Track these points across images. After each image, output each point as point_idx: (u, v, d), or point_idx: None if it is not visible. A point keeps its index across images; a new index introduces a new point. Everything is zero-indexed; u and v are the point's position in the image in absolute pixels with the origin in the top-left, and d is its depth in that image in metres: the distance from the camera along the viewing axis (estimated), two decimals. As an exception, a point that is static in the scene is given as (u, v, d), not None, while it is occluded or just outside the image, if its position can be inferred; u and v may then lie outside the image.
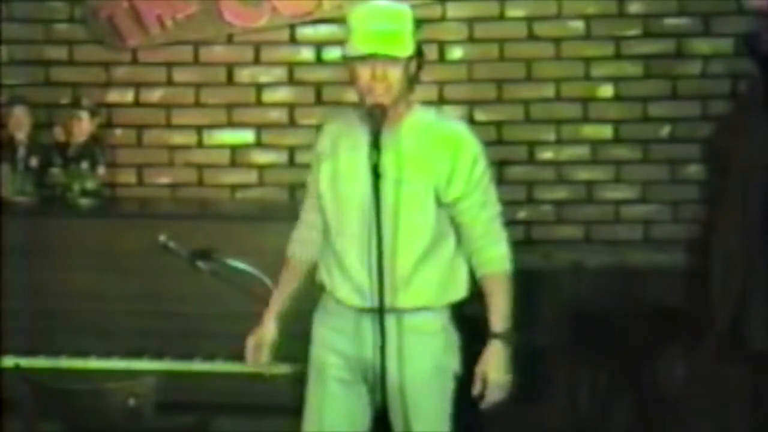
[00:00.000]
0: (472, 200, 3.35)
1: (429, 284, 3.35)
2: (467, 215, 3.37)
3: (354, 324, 3.36)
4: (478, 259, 3.40)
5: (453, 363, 3.42)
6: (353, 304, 3.35)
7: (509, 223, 4.70)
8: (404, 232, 3.30)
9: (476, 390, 3.34)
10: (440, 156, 3.31)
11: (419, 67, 3.31)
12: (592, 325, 4.52)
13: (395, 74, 3.22)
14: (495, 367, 3.34)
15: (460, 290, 3.41)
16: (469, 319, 3.45)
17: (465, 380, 3.41)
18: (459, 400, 3.42)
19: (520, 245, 4.69)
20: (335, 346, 3.41)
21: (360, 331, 3.35)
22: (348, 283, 3.35)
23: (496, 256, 3.41)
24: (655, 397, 4.47)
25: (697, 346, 4.42)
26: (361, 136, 3.29)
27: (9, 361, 3.84)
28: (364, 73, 3.21)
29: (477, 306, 3.40)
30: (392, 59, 3.20)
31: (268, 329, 3.51)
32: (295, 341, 3.51)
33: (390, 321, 3.26)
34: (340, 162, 3.37)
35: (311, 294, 3.51)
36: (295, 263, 3.56)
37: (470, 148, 3.35)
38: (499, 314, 3.36)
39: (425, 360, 3.36)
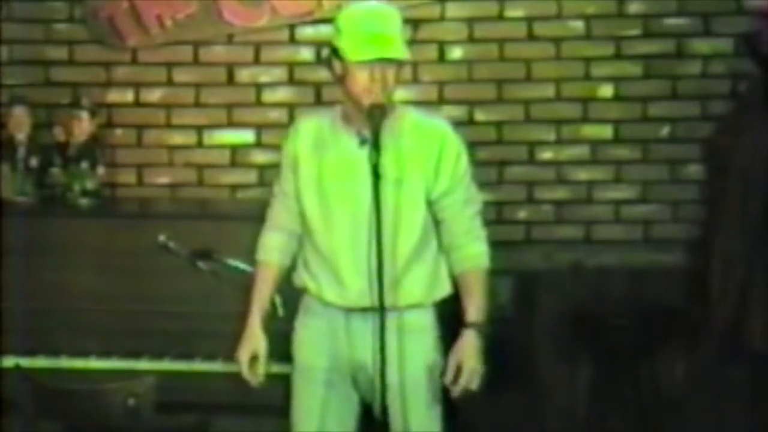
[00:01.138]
0: (456, 196, 3.37)
1: (420, 281, 3.37)
2: (450, 211, 3.38)
3: (344, 325, 3.36)
4: (458, 255, 3.41)
5: (441, 361, 3.41)
6: (345, 305, 3.35)
7: (509, 222, 4.77)
8: (401, 230, 3.30)
9: (449, 378, 3.31)
10: (429, 152, 3.33)
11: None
12: (592, 325, 4.52)
13: (392, 75, 3.23)
14: (471, 356, 3.32)
15: (445, 287, 3.43)
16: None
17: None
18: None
19: (520, 245, 4.75)
20: (324, 349, 3.40)
21: (351, 332, 3.35)
22: (339, 283, 3.34)
23: (477, 253, 3.42)
24: (655, 397, 4.47)
25: (697, 346, 4.42)
26: (348, 135, 3.31)
27: (9, 361, 3.83)
28: (361, 74, 3.21)
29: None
30: (390, 62, 3.21)
31: (261, 341, 3.43)
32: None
33: (386, 320, 3.23)
34: (326, 161, 3.35)
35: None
36: (269, 270, 3.50)
37: (455, 144, 3.37)
38: (476, 306, 3.37)
39: (419, 358, 3.37)
